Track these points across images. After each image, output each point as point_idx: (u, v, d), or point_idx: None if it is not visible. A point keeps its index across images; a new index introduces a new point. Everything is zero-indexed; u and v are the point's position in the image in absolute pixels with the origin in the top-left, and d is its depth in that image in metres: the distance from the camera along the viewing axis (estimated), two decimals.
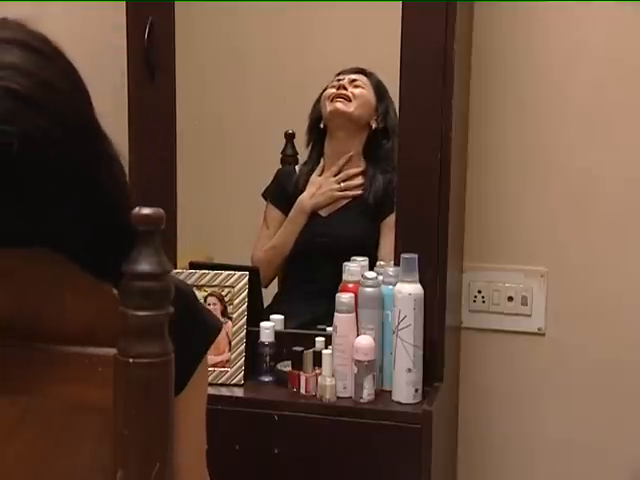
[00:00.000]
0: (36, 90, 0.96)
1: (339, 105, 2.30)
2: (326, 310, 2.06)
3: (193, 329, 1.16)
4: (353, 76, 2.31)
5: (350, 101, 2.30)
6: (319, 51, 2.31)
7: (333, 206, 2.36)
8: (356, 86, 2.31)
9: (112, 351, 0.87)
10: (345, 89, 2.30)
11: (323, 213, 2.36)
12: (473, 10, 2.24)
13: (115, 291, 0.88)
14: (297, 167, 2.41)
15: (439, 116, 2.02)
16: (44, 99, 0.96)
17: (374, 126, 2.30)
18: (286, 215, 2.39)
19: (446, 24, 1.98)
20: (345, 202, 2.35)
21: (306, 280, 2.36)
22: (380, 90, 2.32)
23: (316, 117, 2.35)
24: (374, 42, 2.29)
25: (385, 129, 2.31)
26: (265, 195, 2.41)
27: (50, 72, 0.99)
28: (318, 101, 2.35)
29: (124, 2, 2.13)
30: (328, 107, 2.31)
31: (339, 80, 2.31)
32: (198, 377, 1.17)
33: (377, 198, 2.31)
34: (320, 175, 2.37)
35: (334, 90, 2.31)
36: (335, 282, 2.08)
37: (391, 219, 2.17)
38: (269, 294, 2.37)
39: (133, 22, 2.13)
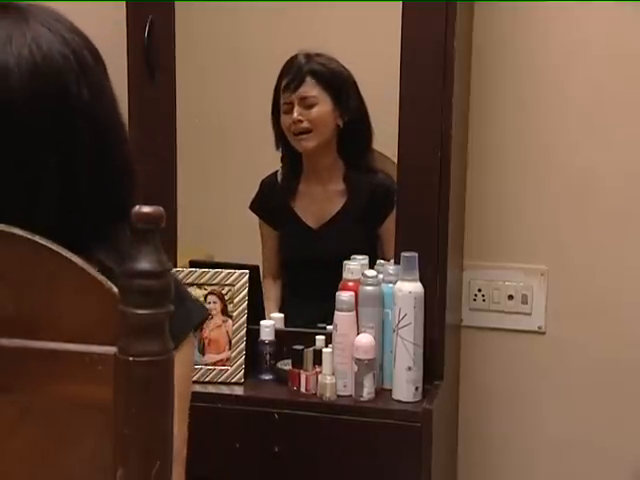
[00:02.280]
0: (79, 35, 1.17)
1: (304, 144, 2.29)
2: (326, 311, 2.06)
3: (177, 309, 1.19)
4: (301, 91, 2.26)
5: (311, 131, 2.27)
6: (319, 51, 2.31)
7: (323, 217, 2.34)
8: (309, 105, 2.26)
9: (112, 349, 0.87)
10: (300, 121, 2.26)
11: (313, 225, 2.35)
12: (473, 10, 2.24)
13: (115, 289, 0.89)
14: (279, 172, 2.38)
15: (439, 116, 2.02)
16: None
17: (341, 124, 2.29)
18: (277, 229, 2.39)
19: (446, 24, 1.99)
20: (335, 211, 2.33)
21: (304, 285, 2.36)
22: (332, 83, 2.28)
23: (280, 132, 2.32)
24: (374, 42, 2.29)
25: (351, 118, 2.29)
26: (253, 209, 2.38)
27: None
28: (275, 107, 2.31)
29: (124, 2, 2.14)
30: (294, 144, 2.30)
31: (289, 103, 2.27)
32: (179, 356, 1.18)
33: (366, 204, 2.30)
34: (305, 184, 2.36)
35: (290, 121, 2.27)
36: (334, 287, 2.07)
37: (390, 223, 2.17)
38: None
39: (133, 21, 2.14)
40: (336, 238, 2.31)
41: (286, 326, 2.22)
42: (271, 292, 2.37)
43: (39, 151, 1.11)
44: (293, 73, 2.28)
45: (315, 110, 2.27)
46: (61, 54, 1.13)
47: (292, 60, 2.29)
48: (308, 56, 2.28)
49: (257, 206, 2.38)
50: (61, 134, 1.12)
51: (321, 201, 2.35)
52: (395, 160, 2.11)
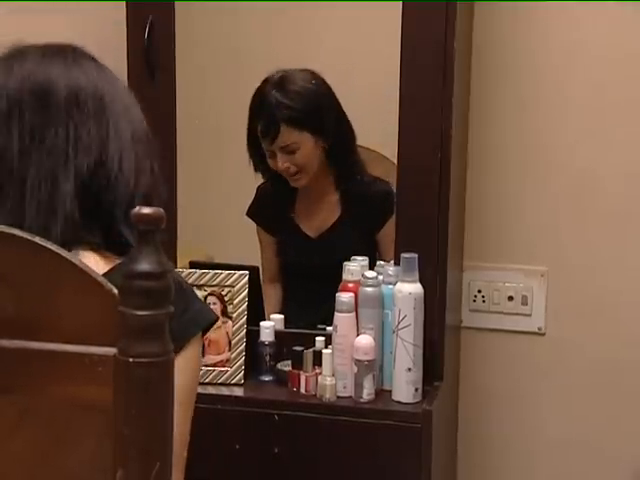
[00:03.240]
0: None
1: (297, 183, 2.29)
2: (325, 314, 2.06)
3: (184, 312, 1.20)
4: (280, 142, 2.23)
5: (300, 171, 2.26)
6: (319, 51, 2.31)
7: (323, 225, 2.33)
8: (291, 152, 2.23)
9: (112, 350, 0.87)
10: (288, 169, 2.25)
11: (312, 234, 2.34)
12: (473, 10, 2.24)
13: (115, 290, 0.88)
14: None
15: (439, 115, 2.02)
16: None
17: (327, 146, 2.26)
18: (275, 236, 2.37)
19: (446, 24, 1.98)
20: (334, 220, 2.32)
21: (303, 292, 2.36)
22: (309, 120, 2.23)
23: (258, 158, 2.31)
24: (374, 42, 2.29)
25: (334, 135, 2.27)
26: (250, 215, 2.37)
27: None
28: (251, 134, 2.29)
29: (124, 2, 2.14)
30: (288, 181, 2.29)
31: (270, 150, 2.25)
32: (185, 358, 1.19)
33: (363, 211, 2.30)
34: (302, 195, 2.35)
35: (276, 166, 2.26)
36: (333, 291, 2.06)
37: (388, 228, 2.16)
38: None
39: (133, 22, 2.13)
40: (335, 246, 2.30)
41: (286, 327, 2.21)
42: (271, 296, 2.37)
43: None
44: (266, 120, 2.23)
45: (298, 154, 2.24)
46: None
47: (262, 97, 2.24)
48: (278, 90, 2.22)
49: (254, 213, 2.37)
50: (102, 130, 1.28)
51: (319, 211, 2.35)
52: (394, 160, 2.11)
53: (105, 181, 1.26)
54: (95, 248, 1.24)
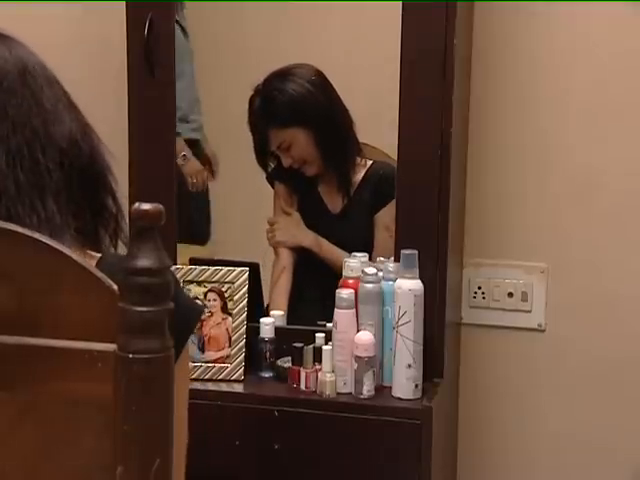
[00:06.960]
0: None
1: (309, 173, 2.33)
2: (329, 310, 2.07)
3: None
4: (272, 142, 2.31)
5: (305, 163, 2.31)
6: (319, 51, 2.31)
7: (341, 201, 2.36)
8: (287, 148, 2.29)
9: (112, 347, 0.88)
10: (292, 164, 2.30)
11: (333, 210, 2.37)
12: (473, 10, 2.24)
13: (115, 286, 0.89)
14: None
15: (439, 115, 2.02)
16: None
17: (322, 135, 2.30)
18: (295, 193, 2.39)
19: (446, 24, 1.99)
20: (346, 202, 2.34)
21: (310, 280, 2.37)
22: (293, 119, 2.28)
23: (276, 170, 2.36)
24: (374, 42, 2.30)
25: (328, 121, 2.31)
26: (271, 178, 2.39)
27: None
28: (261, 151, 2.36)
29: (124, 2, 2.14)
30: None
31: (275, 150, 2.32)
32: (180, 361, 1.20)
33: (370, 194, 2.32)
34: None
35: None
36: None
37: (384, 212, 2.18)
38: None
39: (133, 21, 2.14)
40: (353, 223, 2.34)
41: (288, 321, 2.23)
42: (280, 260, 2.38)
43: None
44: (257, 127, 2.33)
45: (293, 149, 2.30)
46: None
47: (251, 105, 2.32)
48: (264, 97, 2.30)
49: (278, 175, 2.38)
50: None
51: (335, 189, 2.36)
52: (395, 158, 2.11)
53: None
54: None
